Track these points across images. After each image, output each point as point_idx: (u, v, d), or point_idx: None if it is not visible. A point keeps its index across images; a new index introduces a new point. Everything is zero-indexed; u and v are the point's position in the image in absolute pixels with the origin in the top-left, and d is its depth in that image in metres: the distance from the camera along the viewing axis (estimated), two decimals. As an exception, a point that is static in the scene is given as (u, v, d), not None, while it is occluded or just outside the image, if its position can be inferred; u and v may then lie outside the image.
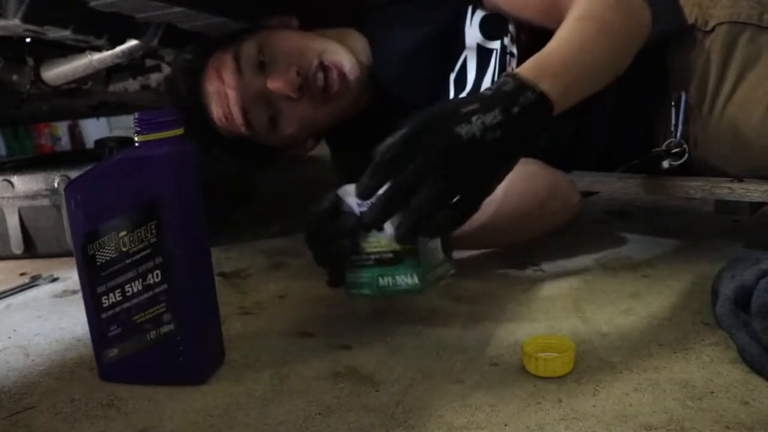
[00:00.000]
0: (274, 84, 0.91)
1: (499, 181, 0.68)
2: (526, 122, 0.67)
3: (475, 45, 0.94)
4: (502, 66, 0.93)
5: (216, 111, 0.94)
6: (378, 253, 0.69)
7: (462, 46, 0.95)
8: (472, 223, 0.84)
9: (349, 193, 0.67)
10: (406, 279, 0.69)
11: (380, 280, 0.70)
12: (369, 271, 0.70)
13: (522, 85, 0.68)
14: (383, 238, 0.68)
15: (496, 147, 0.64)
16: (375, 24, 1.01)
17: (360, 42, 1.00)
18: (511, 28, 0.93)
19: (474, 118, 0.63)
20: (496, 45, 0.93)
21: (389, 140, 0.62)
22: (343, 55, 0.95)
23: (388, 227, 0.66)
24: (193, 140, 0.94)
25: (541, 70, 0.70)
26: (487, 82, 0.93)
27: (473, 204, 0.65)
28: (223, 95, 0.93)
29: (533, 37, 0.91)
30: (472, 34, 0.94)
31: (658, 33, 0.92)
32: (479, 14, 0.94)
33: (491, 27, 0.93)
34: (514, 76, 0.69)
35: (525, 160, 0.91)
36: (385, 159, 0.61)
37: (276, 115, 0.94)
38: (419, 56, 0.97)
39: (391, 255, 0.69)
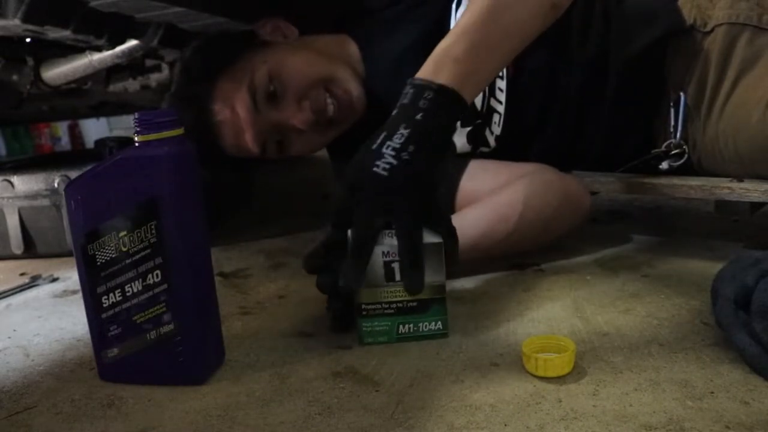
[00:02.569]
0: (293, 121, 0.94)
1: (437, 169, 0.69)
2: (435, 122, 0.67)
3: None
4: None
5: (227, 139, 0.97)
6: (401, 302, 0.68)
7: None
8: (495, 237, 0.85)
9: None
10: (431, 326, 0.69)
11: (400, 328, 0.69)
12: (388, 319, 0.69)
13: (420, 88, 0.68)
14: None
15: (416, 161, 0.65)
16: (366, 30, 1.02)
17: (354, 51, 1.02)
18: None
19: (384, 149, 0.65)
20: None
21: (334, 202, 0.67)
22: (350, 80, 0.97)
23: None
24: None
25: (437, 63, 0.70)
26: None
27: (443, 215, 0.68)
28: (237, 127, 0.95)
29: None
30: None
31: (657, 34, 0.93)
32: (462, 9, 0.94)
33: None
34: (411, 82, 0.69)
35: (538, 166, 0.93)
36: (335, 222, 0.66)
37: (285, 141, 0.98)
38: (408, 60, 0.97)
39: (416, 303, 0.68)
